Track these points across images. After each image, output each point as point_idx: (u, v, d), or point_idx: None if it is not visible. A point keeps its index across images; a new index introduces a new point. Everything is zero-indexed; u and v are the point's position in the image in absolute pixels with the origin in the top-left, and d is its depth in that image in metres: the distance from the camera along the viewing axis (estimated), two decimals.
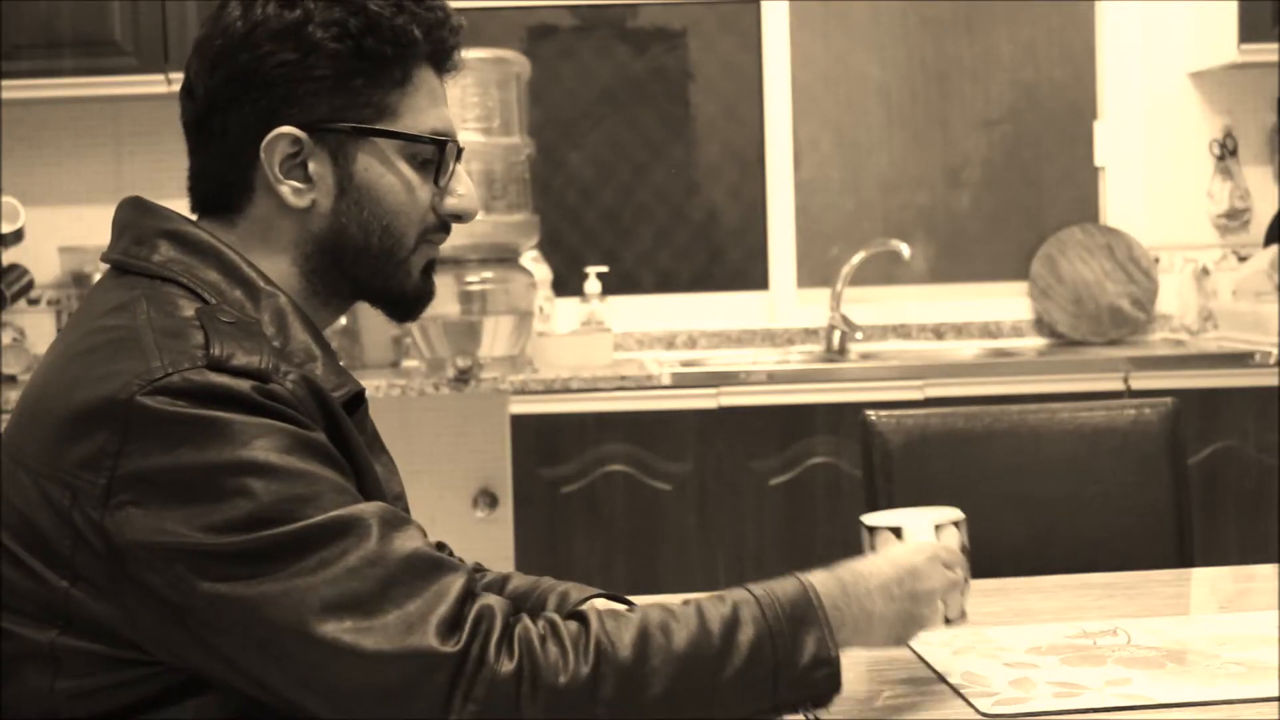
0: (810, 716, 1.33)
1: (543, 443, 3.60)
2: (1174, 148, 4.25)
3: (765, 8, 4.24)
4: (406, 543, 1.20)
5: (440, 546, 1.72)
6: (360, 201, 1.36)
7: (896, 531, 1.45)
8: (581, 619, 1.22)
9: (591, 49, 4.27)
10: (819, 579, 1.33)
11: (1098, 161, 4.30)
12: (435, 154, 1.39)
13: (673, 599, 1.29)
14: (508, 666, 1.16)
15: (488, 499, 3.96)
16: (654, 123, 4.29)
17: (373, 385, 3.53)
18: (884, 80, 4.31)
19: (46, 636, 1.22)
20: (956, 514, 1.50)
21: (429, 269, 1.43)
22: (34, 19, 3.71)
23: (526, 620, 1.19)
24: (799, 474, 3.63)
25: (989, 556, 2.26)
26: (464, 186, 1.42)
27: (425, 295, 1.43)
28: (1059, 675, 1.53)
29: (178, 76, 3.72)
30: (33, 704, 1.24)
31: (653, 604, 1.27)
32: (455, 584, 1.19)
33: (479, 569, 1.67)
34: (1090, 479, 2.34)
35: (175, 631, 1.19)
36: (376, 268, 1.39)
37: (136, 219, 1.36)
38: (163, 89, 3.76)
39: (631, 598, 1.60)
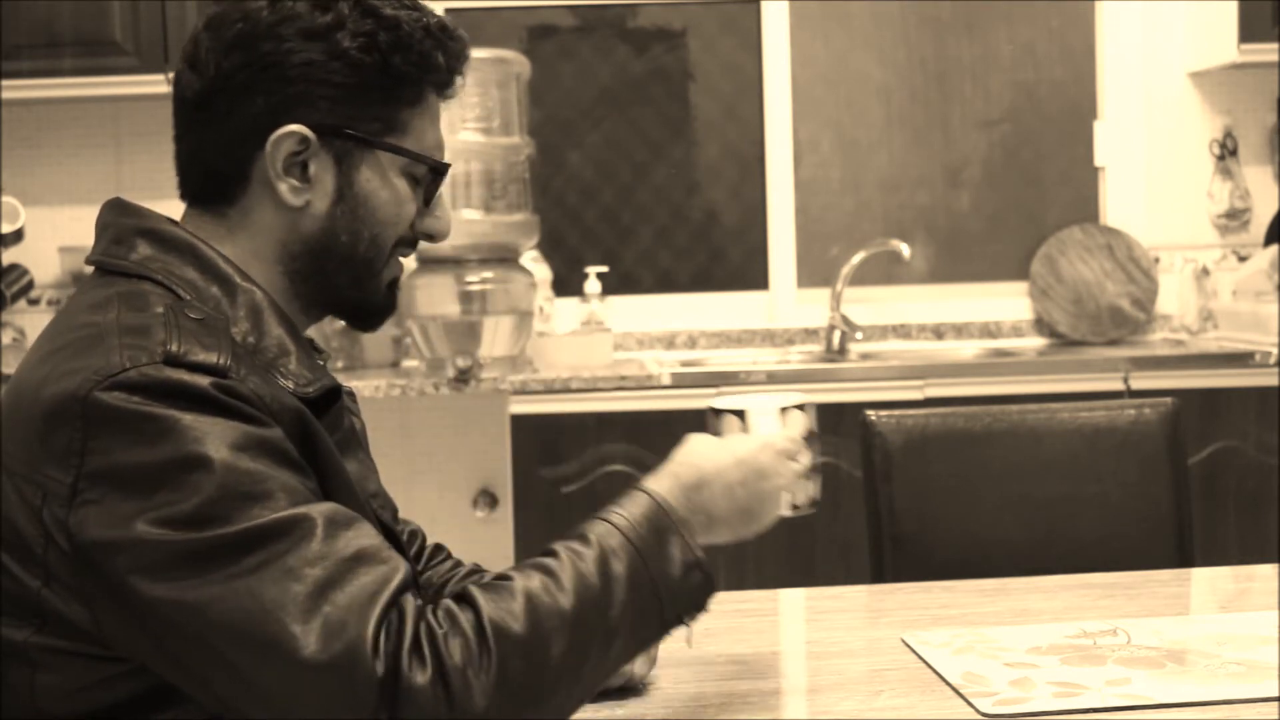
0: (688, 623, 1.34)
1: (543, 443, 3.60)
2: (1174, 148, 4.25)
3: (765, 8, 4.24)
4: (351, 543, 1.19)
5: (438, 549, 1.72)
6: (355, 210, 1.37)
7: (740, 414, 1.41)
8: (469, 601, 1.21)
9: (591, 49, 4.27)
10: (664, 487, 1.34)
11: (1098, 161, 4.30)
12: (429, 176, 1.41)
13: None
14: (422, 678, 1.15)
15: (488, 499, 3.96)
16: (654, 123, 4.29)
17: (372, 385, 3.53)
18: (884, 80, 4.31)
19: (22, 635, 1.22)
20: (801, 397, 1.48)
21: (394, 284, 1.45)
22: (34, 19, 3.71)
23: (430, 617, 1.18)
24: None
25: (989, 556, 2.27)
26: (443, 210, 1.45)
27: (389, 308, 1.45)
28: (1059, 675, 1.53)
29: None
30: (14, 703, 1.25)
31: (525, 564, 1.26)
32: (389, 585, 1.18)
33: (477, 569, 1.67)
34: (1090, 479, 2.34)
35: (132, 632, 1.19)
36: (355, 276, 1.40)
37: (115, 219, 1.36)
38: (163, 89, 3.76)
39: None
